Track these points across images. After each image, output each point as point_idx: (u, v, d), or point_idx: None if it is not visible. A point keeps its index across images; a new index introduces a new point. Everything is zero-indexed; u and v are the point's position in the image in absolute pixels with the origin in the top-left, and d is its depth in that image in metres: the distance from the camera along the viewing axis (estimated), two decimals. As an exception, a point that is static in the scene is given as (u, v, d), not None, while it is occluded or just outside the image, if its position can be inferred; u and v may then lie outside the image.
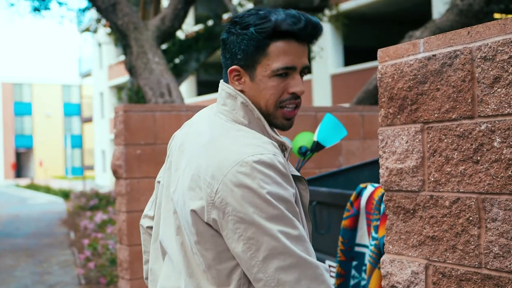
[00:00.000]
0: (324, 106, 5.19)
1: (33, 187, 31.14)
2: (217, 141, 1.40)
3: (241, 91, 1.48)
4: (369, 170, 3.49)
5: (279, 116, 1.48)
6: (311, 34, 1.45)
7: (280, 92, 1.45)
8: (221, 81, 1.54)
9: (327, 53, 17.66)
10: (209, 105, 1.62)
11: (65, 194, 22.31)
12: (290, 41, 1.44)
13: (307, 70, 1.50)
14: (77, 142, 47.97)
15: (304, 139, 3.25)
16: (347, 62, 19.49)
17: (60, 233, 11.79)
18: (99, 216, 10.66)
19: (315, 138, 3.18)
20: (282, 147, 1.51)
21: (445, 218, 1.54)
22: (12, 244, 10.27)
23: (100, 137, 35.18)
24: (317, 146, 3.17)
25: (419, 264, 1.61)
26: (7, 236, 11.50)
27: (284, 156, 1.50)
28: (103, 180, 33.67)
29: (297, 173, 1.48)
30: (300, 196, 1.47)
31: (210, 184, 1.33)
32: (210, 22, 11.63)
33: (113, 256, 7.08)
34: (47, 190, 26.80)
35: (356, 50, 19.57)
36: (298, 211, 1.41)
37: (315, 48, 16.19)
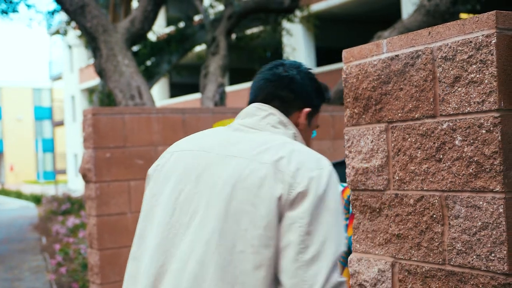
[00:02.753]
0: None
1: (3, 192, 30.63)
2: (291, 144, 1.48)
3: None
4: (339, 170, 3.51)
5: None
6: None
7: None
8: (260, 104, 1.59)
9: (299, 54, 17.72)
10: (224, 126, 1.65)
11: (37, 199, 21.98)
12: None
13: None
14: (49, 146, 47.31)
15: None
16: (319, 63, 19.59)
17: (31, 238, 11.62)
18: (71, 221, 10.53)
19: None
20: None
21: (410, 216, 1.56)
22: (-18, 251, 10.10)
23: (72, 141, 34.76)
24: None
25: (386, 262, 1.63)
26: (-23, 242, 11.31)
27: None
28: (76, 184, 33.26)
29: None
30: None
31: (294, 175, 1.38)
32: (181, 24, 11.58)
33: (85, 261, 7.00)
34: (18, 195, 26.38)
35: (328, 51, 19.67)
36: None
37: (287, 49, 16.22)
